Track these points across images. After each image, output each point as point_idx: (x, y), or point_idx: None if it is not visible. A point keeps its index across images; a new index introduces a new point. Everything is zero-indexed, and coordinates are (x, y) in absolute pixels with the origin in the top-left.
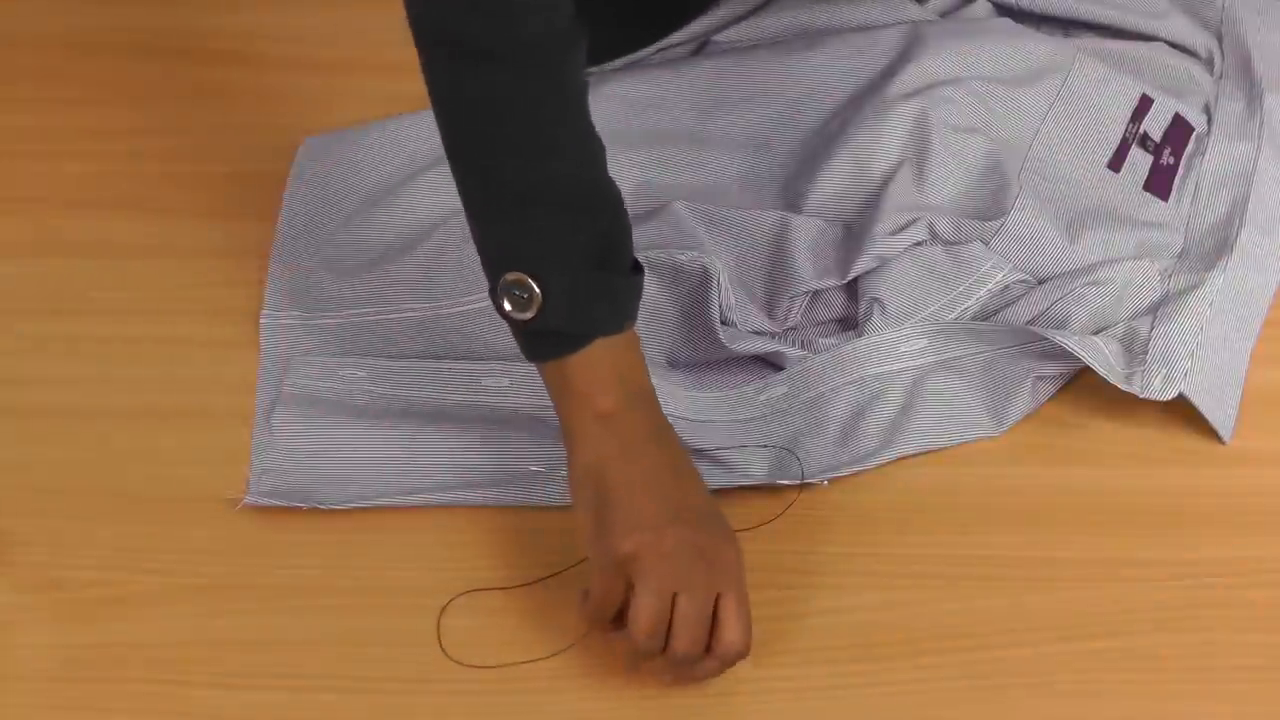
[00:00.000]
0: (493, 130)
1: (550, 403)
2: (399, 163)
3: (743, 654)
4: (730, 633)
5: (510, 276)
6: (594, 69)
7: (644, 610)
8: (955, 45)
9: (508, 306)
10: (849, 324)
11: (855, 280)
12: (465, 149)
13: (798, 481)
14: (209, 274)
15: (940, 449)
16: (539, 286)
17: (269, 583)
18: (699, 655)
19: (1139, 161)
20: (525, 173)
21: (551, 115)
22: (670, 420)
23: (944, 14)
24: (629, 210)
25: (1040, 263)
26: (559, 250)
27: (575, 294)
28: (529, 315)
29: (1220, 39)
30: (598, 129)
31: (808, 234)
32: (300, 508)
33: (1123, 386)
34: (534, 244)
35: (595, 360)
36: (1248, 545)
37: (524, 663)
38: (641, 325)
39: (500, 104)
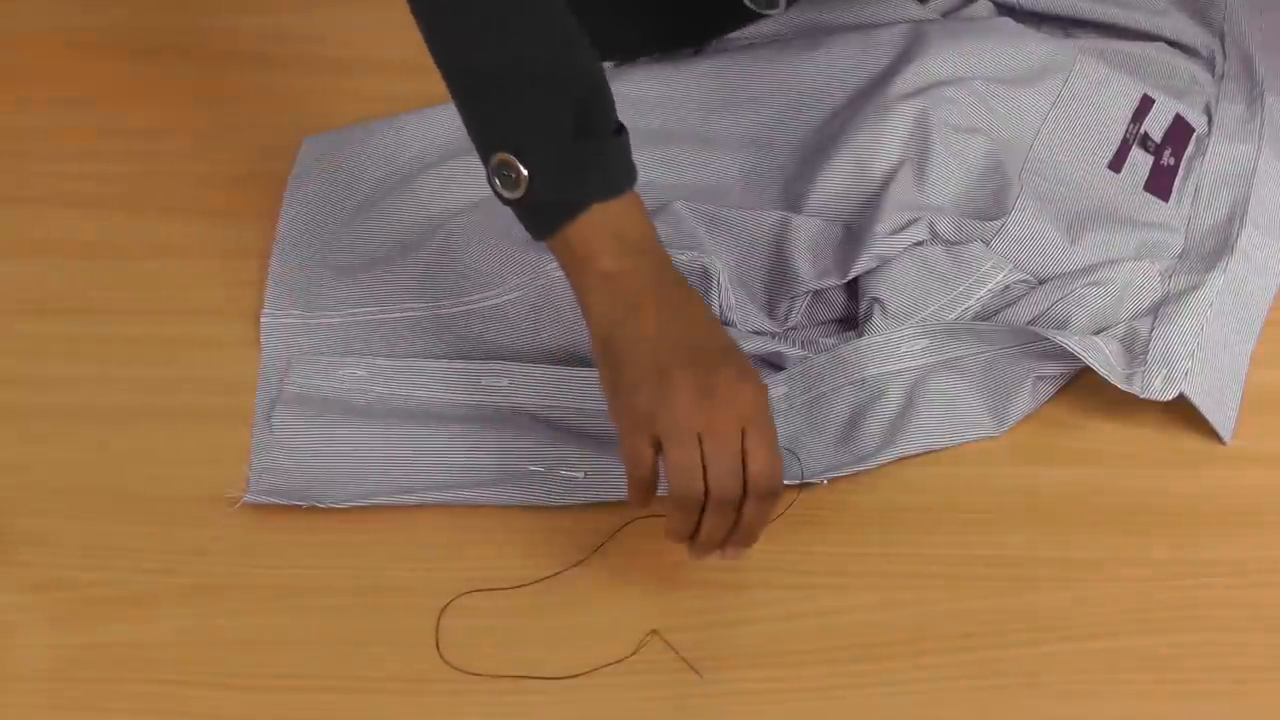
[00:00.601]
0: (460, 13)
1: (552, 403)
2: (401, 162)
3: (774, 486)
4: (756, 464)
5: (496, 159)
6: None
7: (670, 458)
8: (956, 45)
9: (500, 188)
10: (849, 324)
11: (856, 280)
12: (438, 38)
13: (798, 481)
14: (209, 274)
15: (941, 449)
16: (521, 163)
17: (269, 583)
18: (736, 493)
19: (1139, 162)
20: (493, 54)
21: None
22: None
23: (945, 14)
24: None
25: (1041, 263)
26: (534, 125)
27: (557, 163)
28: (519, 193)
29: (1222, 39)
30: None
31: (808, 234)
32: (300, 506)
33: (1123, 387)
34: (510, 123)
35: (592, 224)
36: (1248, 545)
37: (523, 677)
38: None
39: None
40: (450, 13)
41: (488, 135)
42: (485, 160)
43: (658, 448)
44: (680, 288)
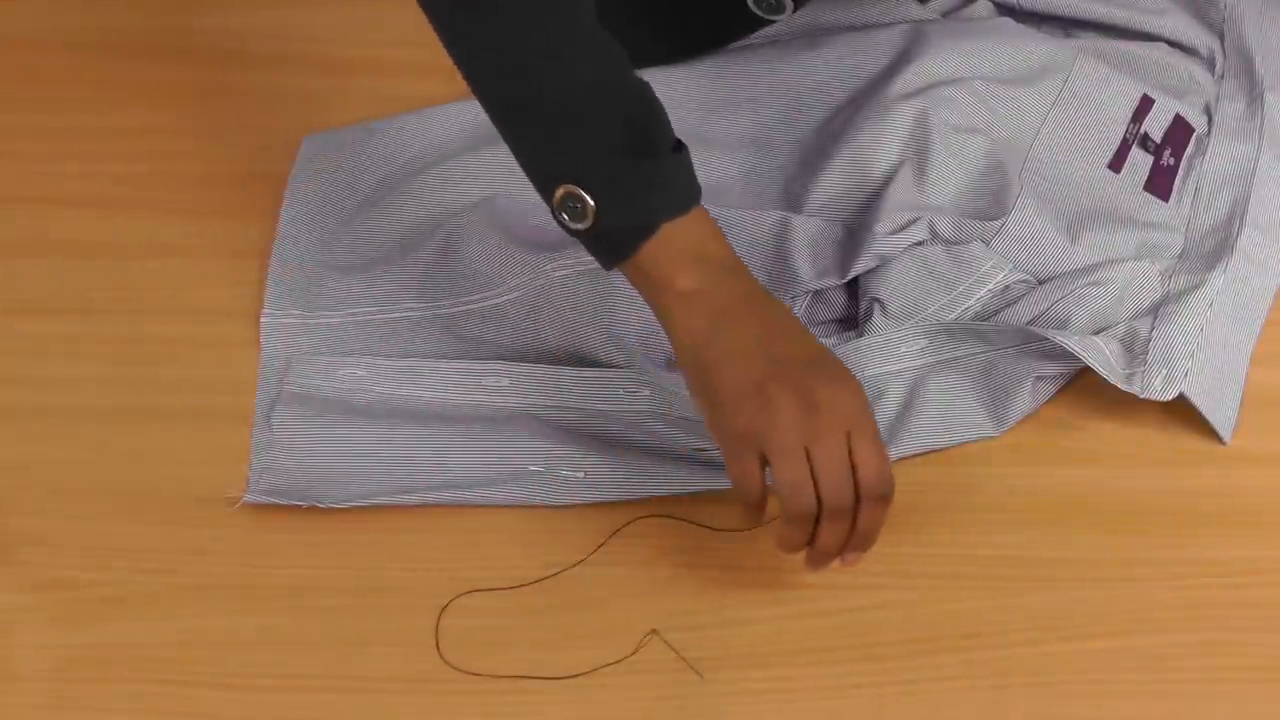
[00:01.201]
0: (497, 46)
1: (552, 403)
2: (402, 161)
3: (886, 488)
4: (865, 467)
5: (559, 193)
6: None
7: (780, 475)
8: (956, 45)
9: (568, 221)
10: (849, 324)
11: (855, 280)
12: (479, 70)
13: None
14: (209, 274)
15: (940, 449)
16: (586, 192)
17: (269, 583)
18: (849, 502)
19: (1139, 162)
20: (541, 82)
21: (555, 22)
22: (671, 420)
23: (945, 14)
24: None
25: (1041, 263)
26: (593, 150)
27: (622, 187)
28: (588, 223)
29: (1222, 38)
30: None
31: (808, 234)
32: (300, 506)
33: (1123, 387)
34: (568, 151)
35: (664, 244)
36: (1248, 545)
37: (523, 677)
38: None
39: (501, 21)
40: (490, 45)
41: (546, 168)
42: (547, 196)
43: (764, 464)
44: (763, 298)
